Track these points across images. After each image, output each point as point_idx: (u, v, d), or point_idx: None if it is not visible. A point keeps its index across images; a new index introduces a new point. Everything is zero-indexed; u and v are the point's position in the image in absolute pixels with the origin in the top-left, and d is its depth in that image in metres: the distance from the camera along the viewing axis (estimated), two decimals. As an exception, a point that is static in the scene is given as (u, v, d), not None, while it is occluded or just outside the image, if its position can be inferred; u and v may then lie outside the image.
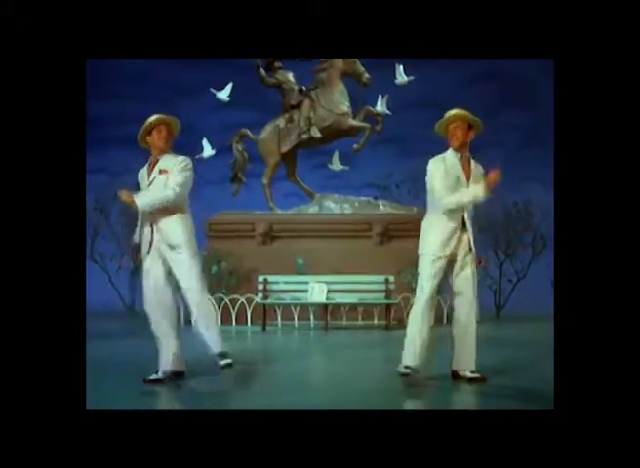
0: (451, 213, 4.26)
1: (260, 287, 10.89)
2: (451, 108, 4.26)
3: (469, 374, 4.28)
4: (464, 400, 3.68)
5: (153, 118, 4.33)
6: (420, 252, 4.43)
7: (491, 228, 17.57)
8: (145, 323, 4.39)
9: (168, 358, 4.31)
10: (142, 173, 4.43)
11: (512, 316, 15.02)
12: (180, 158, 4.35)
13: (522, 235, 17.08)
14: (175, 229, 4.26)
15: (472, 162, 4.34)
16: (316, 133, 12.80)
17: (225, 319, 11.68)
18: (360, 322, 11.56)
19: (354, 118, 13.01)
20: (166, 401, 3.62)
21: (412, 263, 12.12)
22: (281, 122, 13.20)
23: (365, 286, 11.03)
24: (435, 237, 4.31)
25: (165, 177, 4.26)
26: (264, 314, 10.61)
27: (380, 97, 13.41)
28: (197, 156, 13.62)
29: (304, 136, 12.85)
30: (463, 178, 4.26)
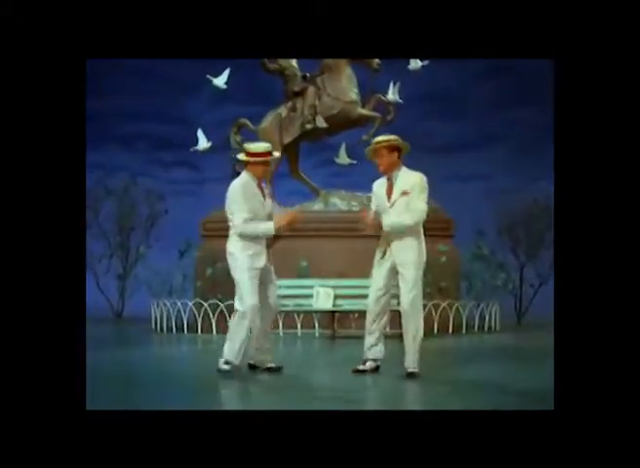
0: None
1: (260, 291, 10.36)
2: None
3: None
4: (464, 400, 3.90)
5: (267, 151, 5.27)
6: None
7: (510, 228, 17.10)
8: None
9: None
10: (252, 190, 5.30)
11: (534, 324, 14.49)
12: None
13: (544, 234, 16.54)
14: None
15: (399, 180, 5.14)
16: (321, 122, 12.26)
17: (221, 327, 11.20)
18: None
19: (363, 107, 12.44)
20: (166, 401, 3.87)
21: (427, 266, 11.72)
22: (283, 111, 12.65)
23: (376, 291, 10.53)
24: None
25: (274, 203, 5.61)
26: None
27: (391, 84, 12.87)
28: (192, 149, 13.21)
29: (308, 127, 12.30)
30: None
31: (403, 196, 5.09)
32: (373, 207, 5.45)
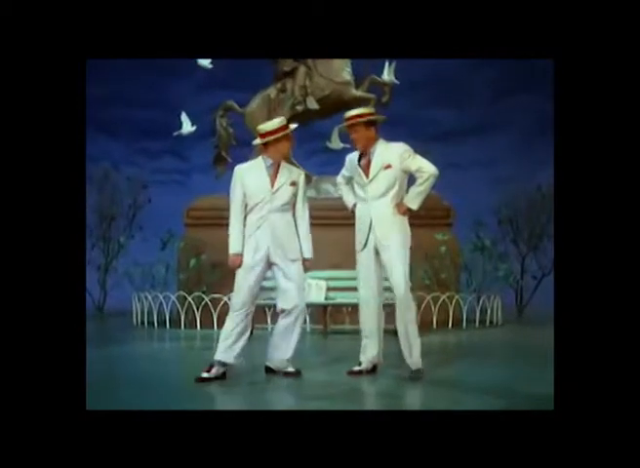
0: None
1: (247, 284, 9.95)
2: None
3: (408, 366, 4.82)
4: (464, 400, 3.93)
5: (283, 125, 4.83)
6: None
7: (511, 217, 16.79)
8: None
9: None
10: (254, 169, 4.88)
11: (536, 317, 14.16)
12: (301, 172, 5.05)
13: (546, 224, 16.21)
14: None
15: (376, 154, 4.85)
16: (313, 104, 11.85)
17: (206, 322, 10.81)
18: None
19: (357, 88, 12.10)
20: (165, 401, 3.94)
21: (425, 256, 11.39)
22: (272, 92, 12.25)
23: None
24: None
25: (295, 190, 4.92)
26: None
27: (386, 63, 12.50)
28: (175, 133, 12.83)
29: (299, 108, 11.88)
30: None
31: (385, 170, 4.82)
32: (340, 179, 5.27)
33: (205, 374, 4.74)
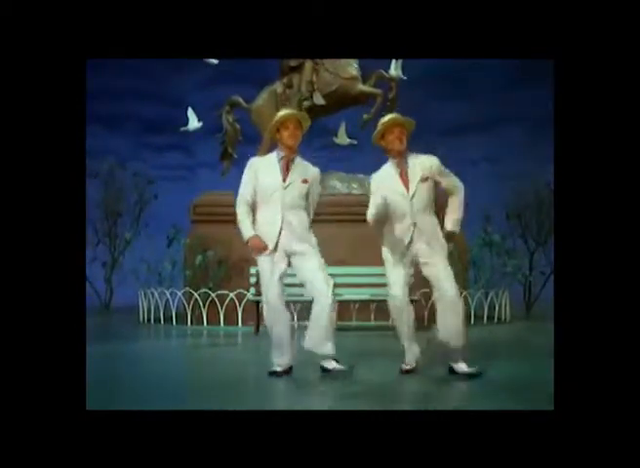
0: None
1: (253, 280, 9.99)
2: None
3: (461, 367, 4.68)
4: (464, 400, 3.94)
5: (282, 114, 4.78)
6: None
7: (520, 213, 16.76)
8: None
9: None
10: (267, 164, 4.81)
11: (544, 313, 14.15)
12: (316, 170, 4.93)
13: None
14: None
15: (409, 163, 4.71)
16: (319, 99, 11.87)
17: (212, 318, 10.91)
18: (373, 323, 10.68)
19: (364, 83, 12.12)
20: (166, 401, 3.94)
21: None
22: (279, 87, 12.29)
23: (378, 279, 10.08)
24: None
25: (306, 188, 4.80)
26: (258, 313, 9.74)
27: (393, 59, 12.50)
28: (182, 129, 12.90)
29: (306, 104, 11.89)
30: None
31: (423, 183, 4.65)
32: (374, 210, 4.67)
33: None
